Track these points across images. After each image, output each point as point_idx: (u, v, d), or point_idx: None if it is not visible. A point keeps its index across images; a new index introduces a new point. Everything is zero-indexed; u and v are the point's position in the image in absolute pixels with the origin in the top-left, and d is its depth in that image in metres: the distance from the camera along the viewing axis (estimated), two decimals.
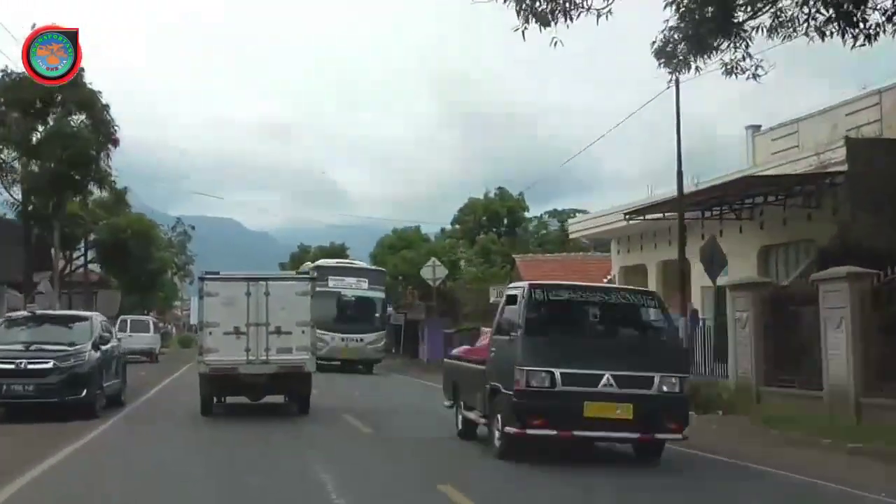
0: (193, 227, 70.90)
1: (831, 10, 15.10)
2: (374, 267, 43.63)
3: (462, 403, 15.01)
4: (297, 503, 10.13)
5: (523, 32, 14.92)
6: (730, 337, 20.20)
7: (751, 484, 11.99)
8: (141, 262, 49.25)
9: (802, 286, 19.47)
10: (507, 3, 14.78)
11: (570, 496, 10.74)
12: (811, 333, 17.77)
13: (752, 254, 25.78)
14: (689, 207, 26.41)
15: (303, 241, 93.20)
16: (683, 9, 15.57)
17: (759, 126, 28.61)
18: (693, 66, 16.98)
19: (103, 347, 19.21)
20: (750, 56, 16.46)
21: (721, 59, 16.58)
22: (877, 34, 14.97)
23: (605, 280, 39.52)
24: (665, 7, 15.47)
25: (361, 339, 37.64)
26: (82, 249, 48.65)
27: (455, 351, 17.03)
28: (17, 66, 21.38)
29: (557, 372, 11.85)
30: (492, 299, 38.46)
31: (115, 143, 22.86)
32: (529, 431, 11.92)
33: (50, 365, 17.40)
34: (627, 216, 26.87)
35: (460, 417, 15.11)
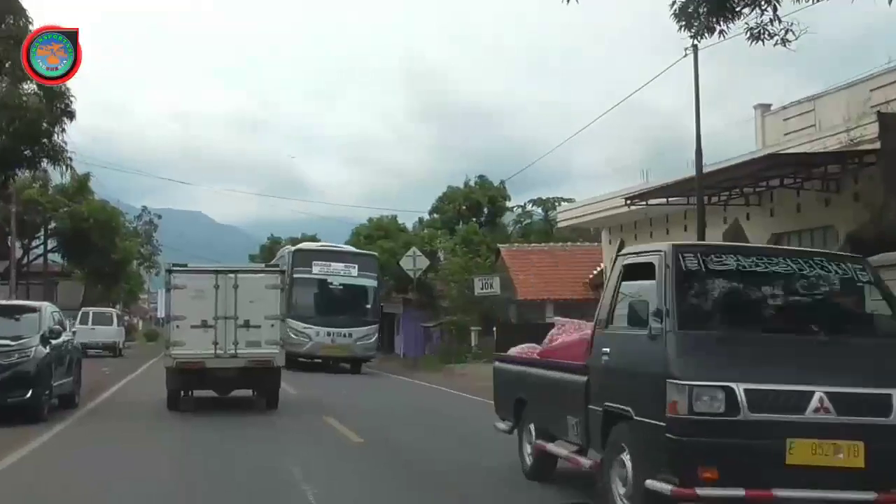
0: (160, 217, 68.61)
1: None
2: (364, 251, 38.72)
3: (532, 428, 10.77)
4: None
5: None
6: None
7: None
8: (104, 251, 46.74)
9: None
10: None
11: None
12: None
13: (761, 242, 23.93)
14: (693, 192, 24.63)
15: (273, 233, 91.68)
16: None
17: (770, 105, 26.78)
18: (717, 29, 15.14)
19: (54, 342, 17.03)
20: (779, 19, 14.70)
21: (746, 22, 14.82)
22: None
23: (594, 272, 37.76)
24: None
25: (350, 334, 32.81)
26: (42, 238, 46.20)
27: (515, 350, 11.77)
28: None
29: (740, 389, 7.21)
30: (477, 291, 36.49)
31: (71, 115, 20.64)
32: (701, 492, 7.15)
33: None
34: (629, 201, 24.95)
35: (529, 449, 10.80)
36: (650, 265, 8.33)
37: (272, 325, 17.79)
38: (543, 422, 10.48)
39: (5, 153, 20.00)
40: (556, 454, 9.99)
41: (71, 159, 22.01)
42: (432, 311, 42.99)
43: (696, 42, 17.45)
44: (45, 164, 21.44)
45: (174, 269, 18.50)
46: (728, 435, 7.18)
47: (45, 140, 20.44)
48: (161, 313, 58.47)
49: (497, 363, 12.35)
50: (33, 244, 46.33)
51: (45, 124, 20.16)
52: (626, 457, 7.99)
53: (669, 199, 24.98)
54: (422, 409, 19.94)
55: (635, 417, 7.83)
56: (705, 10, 14.83)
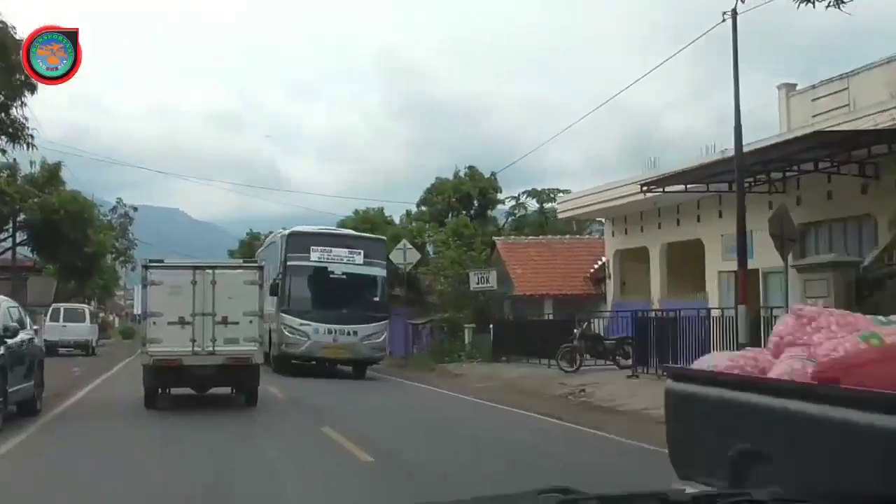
0: (136, 209, 66.15)
1: None
2: (370, 235, 33.92)
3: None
4: None
5: None
6: None
7: None
8: (76, 244, 44.29)
9: None
10: None
11: None
12: None
13: None
14: (710, 179, 22.78)
15: (252, 228, 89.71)
16: None
17: (795, 85, 24.91)
18: None
19: (10, 342, 15.00)
20: None
21: None
22: None
23: (595, 266, 35.87)
24: None
25: (355, 332, 27.67)
26: (10, 231, 43.76)
27: (707, 363, 7.91)
28: None
29: None
30: (472, 286, 34.47)
31: (33, 88, 18.54)
32: None
33: None
34: (645, 187, 23.02)
35: None
36: None
37: (251, 322, 17.51)
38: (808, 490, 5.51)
39: None
40: None
41: (32, 136, 19.83)
42: (421, 307, 40.90)
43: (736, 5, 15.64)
44: (3, 141, 19.24)
45: (150, 264, 18.15)
46: None
47: (2, 114, 18.29)
48: (138, 310, 56.20)
49: (678, 384, 7.83)
50: (0, 237, 43.87)
51: (1, 96, 18.02)
52: None
53: (688, 185, 23.13)
54: (431, 417, 17.75)
55: None
56: None
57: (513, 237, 40.54)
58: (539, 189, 47.37)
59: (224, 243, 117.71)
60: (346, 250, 28.93)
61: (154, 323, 17.44)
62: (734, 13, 16.38)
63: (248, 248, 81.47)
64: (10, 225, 43.25)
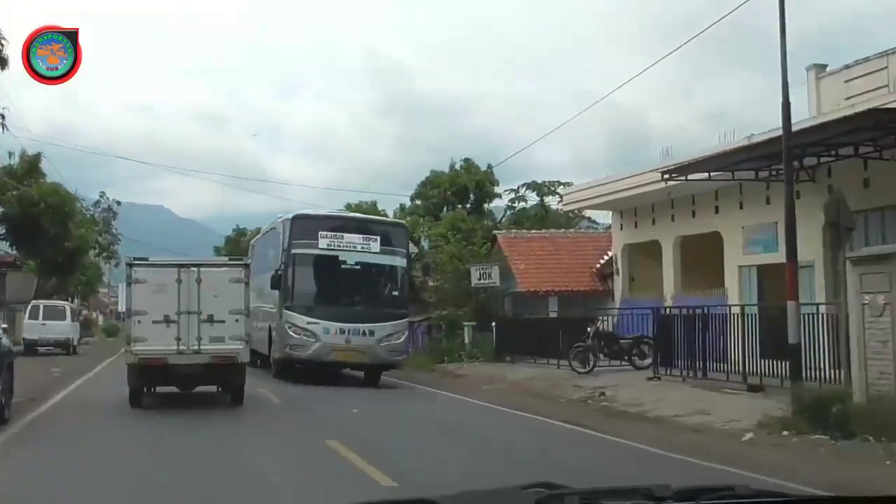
0: (119, 203, 64.33)
1: None
2: (389, 218, 30.57)
3: None
4: None
5: None
6: (852, 330, 14.64)
7: None
8: (56, 239, 42.48)
9: None
10: None
11: None
12: None
13: (815, 225, 20.42)
14: (738, 165, 21.24)
15: (238, 224, 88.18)
16: None
17: (825, 66, 23.35)
18: None
19: None
20: None
21: None
22: None
23: (601, 262, 34.31)
24: None
25: (371, 332, 23.78)
26: None
27: None
28: None
29: None
30: (474, 282, 32.83)
31: (3, 62, 16.87)
32: None
33: None
34: (666, 176, 21.45)
35: None
36: None
37: (236, 320, 17.43)
38: None
39: None
40: None
41: (3, 116, 18.20)
42: (417, 304, 39.24)
43: None
44: None
45: (135, 262, 17.88)
46: None
47: None
48: (122, 307, 54.42)
49: None
50: None
51: None
52: None
53: (711, 174, 21.57)
54: (447, 427, 15.76)
55: None
56: None
57: (514, 231, 38.87)
58: (539, 182, 45.73)
59: (209, 241, 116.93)
60: (361, 236, 24.80)
61: (139, 321, 17.29)
62: None
63: (235, 244, 79.95)
64: None
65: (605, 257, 33.63)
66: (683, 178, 21.59)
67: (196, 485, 9.95)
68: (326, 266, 24.44)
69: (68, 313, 41.46)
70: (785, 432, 13.67)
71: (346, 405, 18.60)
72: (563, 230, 38.16)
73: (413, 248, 34.01)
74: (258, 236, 33.37)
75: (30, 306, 40.96)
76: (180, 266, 17.77)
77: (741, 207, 24.52)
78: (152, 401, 17.90)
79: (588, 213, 43.91)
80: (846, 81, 22.23)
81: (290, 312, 23.91)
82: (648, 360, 23.50)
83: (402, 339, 24.90)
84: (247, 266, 18.53)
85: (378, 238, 24.86)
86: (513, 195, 46.43)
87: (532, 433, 15.43)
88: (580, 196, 31.96)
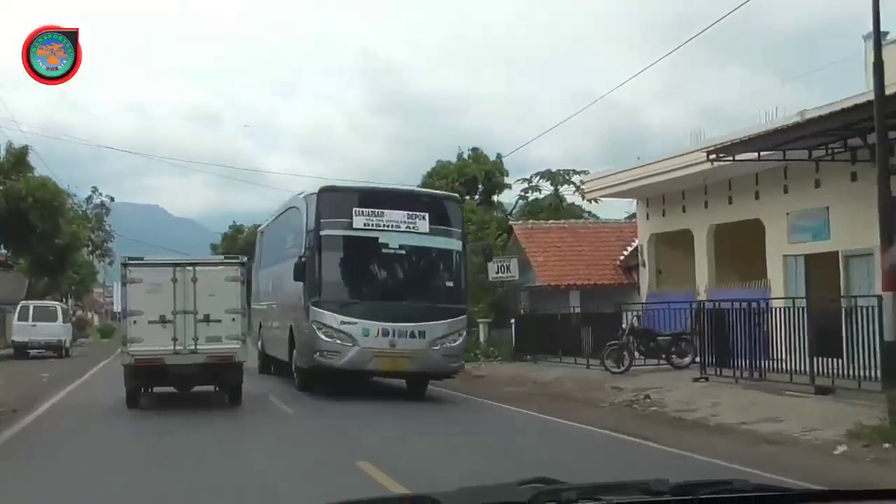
0: (112, 199, 62.29)
1: None
2: (440, 191, 24.99)
3: None
4: None
5: None
6: None
7: None
8: (46, 235, 40.47)
9: None
10: None
11: None
12: None
13: (869, 211, 18.47)
14: (790, 145, 19.37)
15: (235, 221, 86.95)
16: None
17: (887, 33, 21.34)
18: None
19: None
20: None
21: None
22: None
23: (625, 253, 32.43)
24: None
25: (422, 333, 18.94)
26: None
27: None
28: None
29: None
30: (491, 276, 30.92)
31: None
32: None
33: None
34: (712, 156, 19.57)
35: None
36: None
37: (233, 319, 17.25)
38: None
39: None
40: None
41: None
42: None
43: None
44: None
45: (130, 262, 17.66)
46: None
47: None
48: (117, 307, 52.43)
49: None
50: None
51: None
52: None
53: (761, 154, 19.67)
54: (482, 441, 13.63)
55: None
56: None
57: (531, 221, 36.89)
58: (553, 171, 43.69)
59: (204, 239, 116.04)
60: (406, 212, 19.53)
61: (134, 322, 17.16)
62: None
63: (232, 241, 78.31)
64: None
65: (629, 248, 31.78)
66: (731, 158, 19.71)
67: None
68: (364, 250, 19.57)
69: (60, 314, 39.51)
70: (886, 444, 11.78)
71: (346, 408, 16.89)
72: (582, 220, 36.18)
73: None
74: (269, 220, 28.83)
75: (19, 307, 39.11)
76: (176, 265, 17.67)
77: (786, 192, 22.69)
78: (150, 401, 17.93)
79: (591, 208, 42.15)
80: None
81: (318, 310, 19.06)
82: (688, 359, 21.78)
83: (459, 342, 19.76)
84: (243, 264, 18.32)
85: (427, 215, 19.65)
86: (526, 185, 44.38)
87: (588, 451, 13.30)
88: (602, 183, 30.06)
